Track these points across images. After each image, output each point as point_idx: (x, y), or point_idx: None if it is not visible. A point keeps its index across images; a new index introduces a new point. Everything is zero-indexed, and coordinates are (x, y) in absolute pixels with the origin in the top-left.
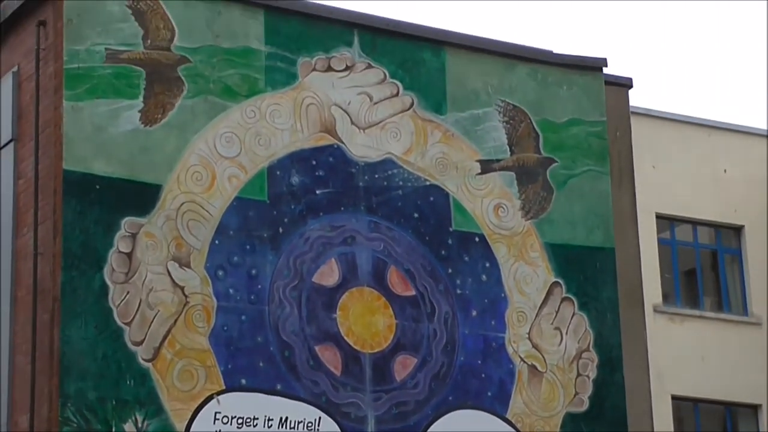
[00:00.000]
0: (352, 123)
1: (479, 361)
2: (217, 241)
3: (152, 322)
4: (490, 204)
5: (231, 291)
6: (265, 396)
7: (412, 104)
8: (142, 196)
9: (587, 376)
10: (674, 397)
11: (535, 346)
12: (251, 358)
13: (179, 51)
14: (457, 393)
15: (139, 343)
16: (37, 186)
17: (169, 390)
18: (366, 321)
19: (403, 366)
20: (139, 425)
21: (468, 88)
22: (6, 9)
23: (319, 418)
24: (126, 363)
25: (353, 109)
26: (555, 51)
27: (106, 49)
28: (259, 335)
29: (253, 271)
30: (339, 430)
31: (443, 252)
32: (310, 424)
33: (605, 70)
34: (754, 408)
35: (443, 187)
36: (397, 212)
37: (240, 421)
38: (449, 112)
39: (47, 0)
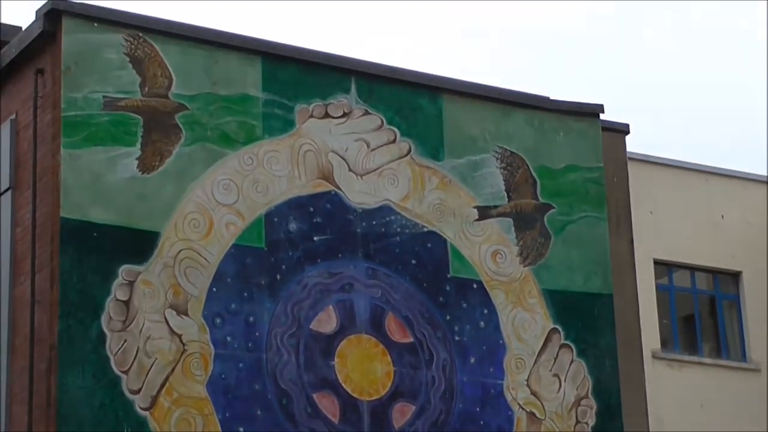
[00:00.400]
0: (350, 170)
1: (478, 408)
2: (214, 289)
3: (150, 370)
4: (487, 250)
5: (229, 339)
6: None
7: (409, 150)
8: (139, 244)
9: (586, 423)
10: None
11: (533, 393)
12: (249, 406)
13: (177, 98)
14: None
15: (136, 392)
16: (35, 234)
17: None
18: (364, 368)
19: (402, 413)
20: None
21: (465, 134)
22: (4, 57)
23: None
24: (123, 411)
25: (350, 156)
26: (552, 97)
27: (103, 96)
28: (257, 383)
29: (251, 319)
30: None
31: (441, 298)
32: None
33: (602, 116)
34: None
35: (441, 233)
36: (394, 259)
37: None
38: (446, 159)
39: (45, 48)
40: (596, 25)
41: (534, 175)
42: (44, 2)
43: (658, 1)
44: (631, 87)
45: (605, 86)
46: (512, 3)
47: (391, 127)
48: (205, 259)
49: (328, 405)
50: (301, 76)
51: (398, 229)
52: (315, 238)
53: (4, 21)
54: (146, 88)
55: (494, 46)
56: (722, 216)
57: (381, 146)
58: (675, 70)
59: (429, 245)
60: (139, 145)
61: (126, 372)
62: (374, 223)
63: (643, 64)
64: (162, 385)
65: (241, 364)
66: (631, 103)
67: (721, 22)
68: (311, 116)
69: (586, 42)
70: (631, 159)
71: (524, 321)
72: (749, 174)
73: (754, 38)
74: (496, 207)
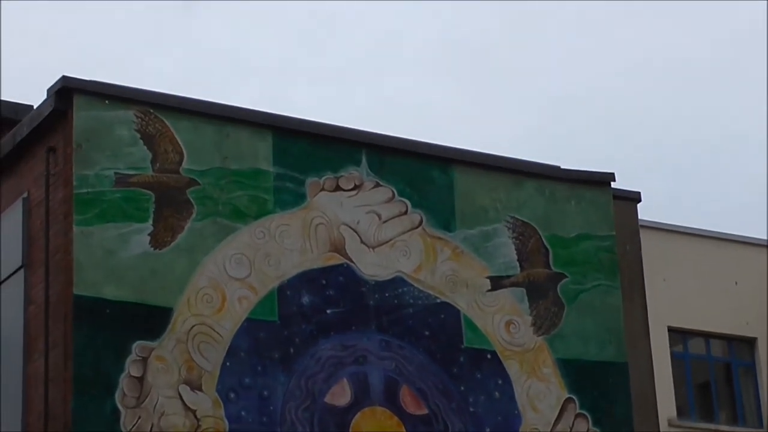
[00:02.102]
0: (362, 242)
1: None
2: (228, 363)
3: None
4: (501, 320)
5: (243, 413)
6: None
7: (421, 222)
8: (152, 320)
9: None
10: None
11: None
12: None
13: (188, 174)
14: None
15: None
16: (48, 311)
17: None
18: None
19: None
20: None
21: (476, 204)
22: (16, 135)
23: None
24: None
25: (362, 228)
26: (562, 166)
27: (115, 173)
28: None
29: (265, 393)
30: None
31: (455, 370)
32: None
33: (613, 185)
34: None
35: (454, 304)
36: (408, 330)
37: None
38: (458, 229)
39: (57, 126)
40: (602, 89)
41: (546, 244)
42: (55, 81)
43: (663, 65)
44: (642, 155)
45: (615, 154)
46: (514, 68)
47: (403, 199)
48: (218, 333)
49: None
50: (311, 149)
51: (411, 301)
52: (328, 311)
53: (15, 100)
54: (157, 164)
55: (499, 109)
56: (736, 282)
57: (392, 218)
58: (685, 138)
59: (442, 316)
60: (151, 221)
61: None
62: (387, 294)
63: (653, 132)
64: None
65: None
66: (642, 171)
67: (733, 84)
68: (322, 189)
69: (592, 106)
70: (643, 227)
71: (539, 391)
72: (762, 240)
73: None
74: (508, 277)
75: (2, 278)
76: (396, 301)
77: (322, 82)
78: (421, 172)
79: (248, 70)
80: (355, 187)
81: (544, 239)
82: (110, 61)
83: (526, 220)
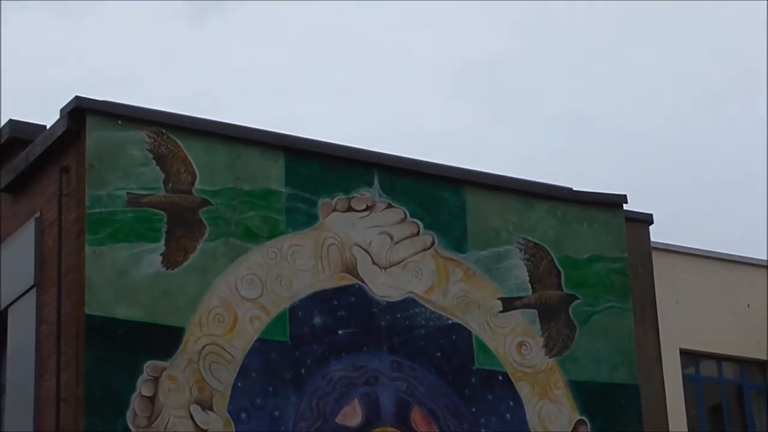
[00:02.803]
0: (374, 263)
1: None
2: (239, 384)
3: None
4: (513, 342)
5: None
6: None
7: (432, 243)
8: (164, 340)
9: None
10: None
11: None
12: None
13: (200, 194)
14: None
15: None
16: (60, 331)
17: None
18: None
19: None
20: None
21: (488, 226)
22: (29, 155)
23: None
24: None
25: (374, 249)
26: (574, 188)
27: (127, 193)
28: None
29: (276, 413)
30: None
31: (467, 391)
32: None
33: (625, 207)
34: None
35: (466, 325)
36: (419, 351)
37: None
38: (470, 251)
39: (69, 146)
40: (614, 110)
41: (558, 266)
42: (68, 101)
43: (667, 80)
44: (654, 177)
45: (627, 176)
46: (526, 87)
47: (414, 220)
48: (229, 353)
49: None
50: (323, 170)
51: (423, 322)
52: (339, 332)
53: (28, 120)
54: (170, 184)
55: (511, 129)
56: (748, 305)
57: (404, 239)
58: (697, 160)
59: (454, 337)
60: (163, 241)
61: None
62: (398, 315)
63: (665, 153)
64: None
65: None
66: (654, 193)
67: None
68: (334, 210)
69: (604, 127)
70: (655, 249)
71: (550, 412)
72: None
73: None
74: (520, 298)
75: (14, 298)
76: (408, 322)
77: (334, 100)
78: (432, 193)
79: (260, 88)
80: (367, 208)
81: (556, 261)
82: (121, 79)
83: (538, 242)
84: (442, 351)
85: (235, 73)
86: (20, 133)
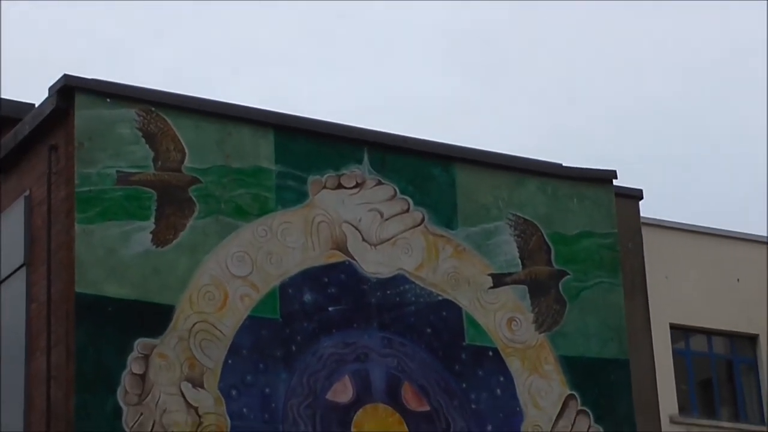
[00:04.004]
0: (364, 240)
1: None
2: (230, 361)
3: None
4: (503, 318)
5: (245, 410)
6: None
7: (422, 220)
8: (154, 317)
9: None
10: None
11: None
12: None
13: (190, 172)
14: None
15: None
16: (50, 310)
17: None
18: None
19: None
20: None
21: (478, 202)
22: (18, 134)
23: None
24: None
25: (364, 226)
26: (564, 164)
27: (117, 171)
28: None
29: (267, 390)
30: None
31: (457, 367)
32: None
33: (615, 182)
34: None
35: (456, 301)
36: (409, 328)
37: None
38: (460, 227)
39: (58, 124)
40: (606, 84)
41: (548, 242)
42: (56, 79)
43: (662, 56)
44: (644, 152)
45: (617, 152)
46: (518, 60)
47: (404, 197)
48: (220, 331)
49: None
50: (313, 147)
51: (413, 298)
52: (330, 309)
53: (16, 98)
54: (159, 162)
55: (502, 102)
56: (738, 279)
57: (394, 216)
58: (687, 134)
59: (444, 314)
60: (153, 219)
61: None
62: (389, 292)
63: (655, 129)
64: None
65: None
66: (644, 168)
67: (734, 72)
68: (324, 187)
69: (595, 100)
70: (645, 224)
71: (541, 388)
72: (764, 237)
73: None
74: (510, 274)
75: (4, 277)
76: (398, 299)
77: (325, 73)
78: (422, 170)
79: (250, 62)
80: (357, 185)
81: (546, 237)
82: (111, 52)
83: (528, 218)
84: (433, 327)
85: (224, 46)
86: (9, 111)
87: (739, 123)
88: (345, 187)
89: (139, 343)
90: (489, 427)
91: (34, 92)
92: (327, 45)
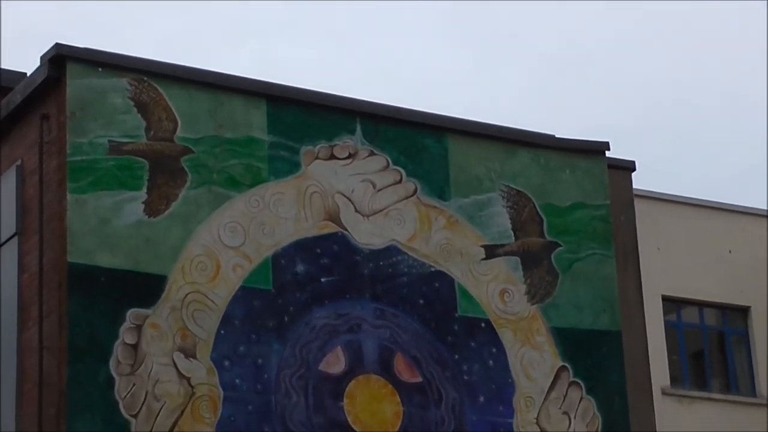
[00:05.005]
0: (356, 210)
1: None
2: (222, 331)
3: (159, 413)
4: (495, 289)
5: (237, 381)
6: None
7: (415, 191)
8: (146, 288)
9: None
10: None
11: (543, 431)
12: None
13: (182, 142)
14: None
15: None
16: (42, 279)
17: None
18: (373, 409)
19: None
20: None
21: (471, 173)
22: (9, 103)
23: None
24: None
25: (357, 197)
26: (557, 135)
27: (109, 141)
28: (266, 425)
29: (260, 361)
30: None
31: (449, 338)
32: None
33: (608, 154)
34: None
35: (448, 272)
36: (402, 299)
37: None
38: (453, 198)
39: (50, 93)
40: (597, 52)
41: (540, 213)
42: (48, 48)
43: (657, 28)
44: (637, 124)
45: (610, 123)
46: (511, 27)
47: (397, 168)
48: (212, 301)
49: None
50: (306, 118)
51: (405, 270)
52: (322, 280)
53: (8, 67)
54: (151, 132)
55: (495, 68)
56: (730, 251)
57: (387, 187)
58: (680, 106)
59: (436, 285)
60: (145, 189)
61: (135, 416)
62: (381, 263)
63: (647, 100)
64: (171, 429)
65: (250, 407)
66: (637, 140)
67: (728, 47)
68: (317, 158)
69: (588, 69)
70: (637, 196)
71: (533, 359)
72: (756, 209)
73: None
74: (503, 246)
75: None
76: (390, 270)
77: (317, 43)
78: (415, 140)
79: (242, 30)
80: (350, 156)
81: (538, 208)
82: (102, 21)
83: (520, 189)
84: (425, 298)
85: (216, 13)
86: (0, 80)
87: (733, 91)
88: (337, 158)
89: (132, 314)
90: (481, 398)
91: (26, 61)
92: (319, 16)
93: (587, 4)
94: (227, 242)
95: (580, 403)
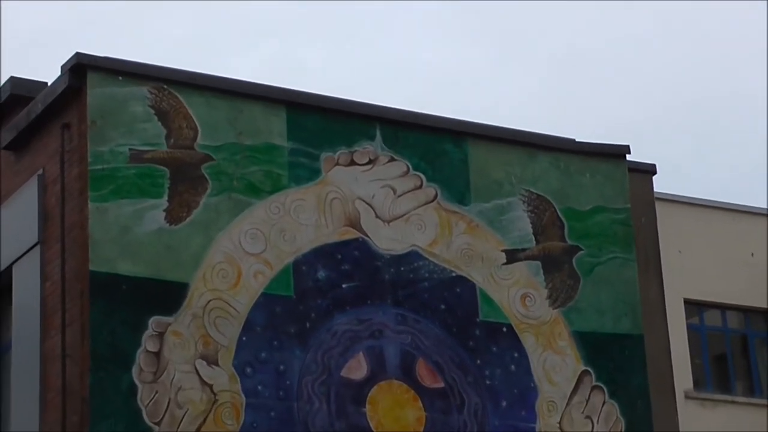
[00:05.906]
0: (377, 216)
1: None
2: (244, 338)
3: (181, 421)
4: (516, 294)
5: (259, 387)
6: None
7: (435, 196)
8: (168, 295)
9: None
10: None
11: None
12: None
13: (202, 149)
14: None
15: None
16: (64, 288)
17: None
18: (395, 414)
19: None
20: None
21: (491, 178)
22: (31, 112)
23: None
24: None
25: (377, 203)
26: (577, 139)
27: (129, 149)
28: None
29: (281, 367)
30: None
31: (471, 343)
32: None
33: (628, 157)
34: None
35: (469, 278)
36: (423, 304)
37: None
38: (473, 203)
39: (71, 102)
40: (616, 52)
41: (561, 217)
42: (69, 57)
43: (677, 33)
44: (657, 127)
45: (630, 126)
46: (529, 28)
47: (417, 173)
48: (234, 308)
49: None
50: (325, 124)
51: (426, 275)
52: (343, 286)
53: (30, 77)
54: (172, 140)
55: (513, 69)
56: (752, 254)
57: (407, 192)
58: (700, 109)
59: (458, 290)
60: (166, 197)
61: (158, 423)
62: (402, 269)
63: (668, 103)
64: None
65: (272, 413)
66: (657, 143)
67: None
68: (337, 164)
69: (607, 70)
70: (658, 199)
71: (555, 363)
72: None
73: None
74: (524, 250)
75: (18, 255)
76: (411, 275)
77: (334, 43)
78: (435, 146)
79: (260, 31)
80: (370, 162)
81: (559, 212)
82: (120, 24)
83: (540, 194)
84: (447, 303)
85: (233, 17)
86: (21, 90)
87: (753, 94)
88: (358, 164)
89: (154, 321)
90: (503, 403)
91: (47, 71)
92: (332, 15)
93: (603, 5)
94: (248, 249)
95: (602, 407)
